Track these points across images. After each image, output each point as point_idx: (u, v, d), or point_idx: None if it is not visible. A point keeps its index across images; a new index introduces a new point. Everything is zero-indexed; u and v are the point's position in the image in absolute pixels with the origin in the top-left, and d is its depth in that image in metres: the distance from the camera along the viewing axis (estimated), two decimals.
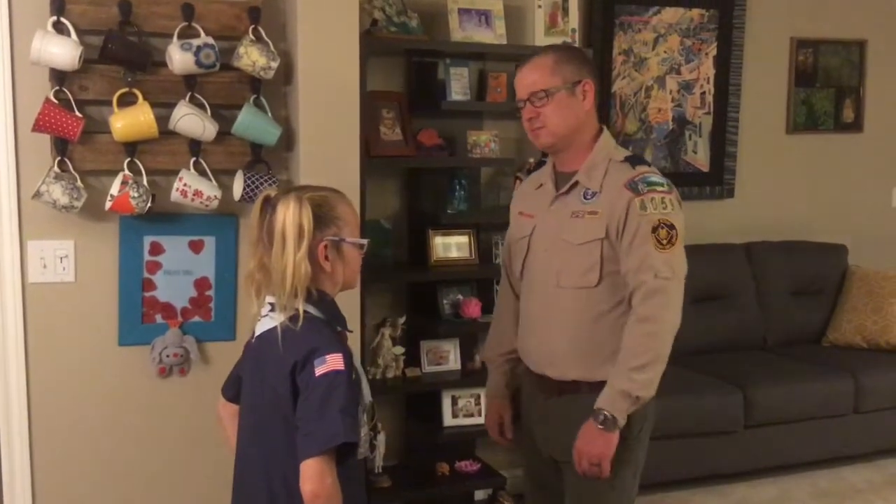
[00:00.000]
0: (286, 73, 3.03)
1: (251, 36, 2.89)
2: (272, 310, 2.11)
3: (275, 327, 2.07)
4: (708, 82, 4.79)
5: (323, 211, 2.08)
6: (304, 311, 2.04)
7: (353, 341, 3.03)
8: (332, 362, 2.00)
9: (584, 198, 2.41)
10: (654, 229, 2.31)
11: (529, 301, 2.57)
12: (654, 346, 2.30)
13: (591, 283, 2.38)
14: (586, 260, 2.38)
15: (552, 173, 2.54)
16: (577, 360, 2.42)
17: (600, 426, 2.30)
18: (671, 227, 2.33)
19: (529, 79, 2.44)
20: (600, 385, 2.35)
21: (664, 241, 2.31)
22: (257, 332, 2.16)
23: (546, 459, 2.56)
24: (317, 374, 1.98)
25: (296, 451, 1.99)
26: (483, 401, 3.72)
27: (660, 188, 2.36)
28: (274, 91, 3.02)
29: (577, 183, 2.44)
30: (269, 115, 2.97)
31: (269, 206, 2.09)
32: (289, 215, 2.02)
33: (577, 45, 3.80)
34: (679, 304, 2.35)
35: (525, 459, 2.73)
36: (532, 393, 2.58)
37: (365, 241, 2.19)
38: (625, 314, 2.35)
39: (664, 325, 2.32)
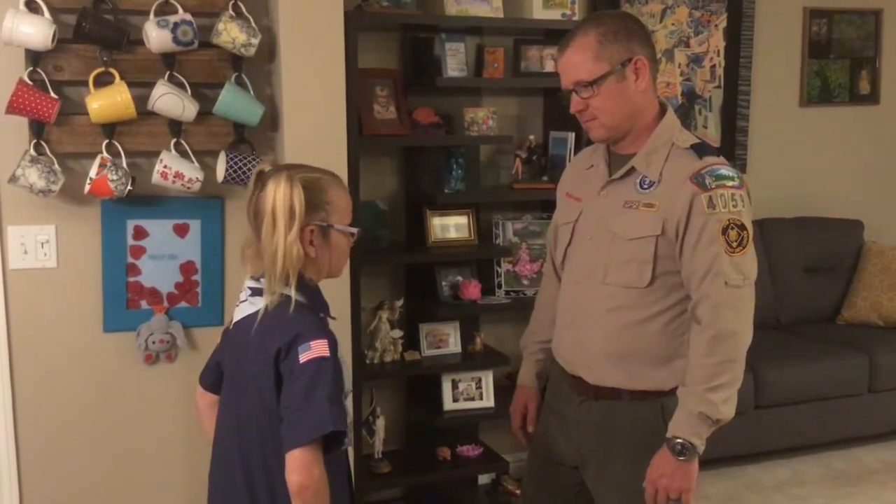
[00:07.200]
0: (269, 49, 2.94)
1: (231, 11, 2.79)
2: (252, 294, 2.06)
3: (254, 313, 2.01)
4: (718, 55, 4.67)
5: (312, 194, 2.00)
6: (287, 296, 1.98)
7: (346, 325, 3.01)
8: (318, 348, 1.94)
9: (641, 187, 2.18)
10: (724, 230, 2.09)
11: (568, 294, 2.36)
12: (732, 366, 2.10)
13: (642, 283, 2.16)
14: (637, 257, 2.16)
15: (606, 154, 2.30)
16: (617, 366, 2.22)
17: (680, 457, 2.11)
18: (742, 227, 2.10)
19: (571, 66, 2.18)
20: (642, 395, 2.20)
21: (734, 244, 2.09)
22: (235, 319, 2.10)
23: (565, 466, 2.36)
24: (301, 361, 1.92)
25: (276, 440, 1.93)
26: (484, 384, 3.66)
27: (730, 182, 2.12)
28: (257, 69, 2.93)
29: (633, 169, 2.20)
30: (252, 93, 2.88)
31: (259, 181, 2.02)
32: (279, 194, 1.95)
33: (576, 16, 3.68)
34: (751, 313, 2.14)
35: (533, 461, 2.52)
36: (564, 394, 2.36)
37: (355, 230, 2.10)
38: (676, 318, 2.17)
39: (739, 339, 2.11)
